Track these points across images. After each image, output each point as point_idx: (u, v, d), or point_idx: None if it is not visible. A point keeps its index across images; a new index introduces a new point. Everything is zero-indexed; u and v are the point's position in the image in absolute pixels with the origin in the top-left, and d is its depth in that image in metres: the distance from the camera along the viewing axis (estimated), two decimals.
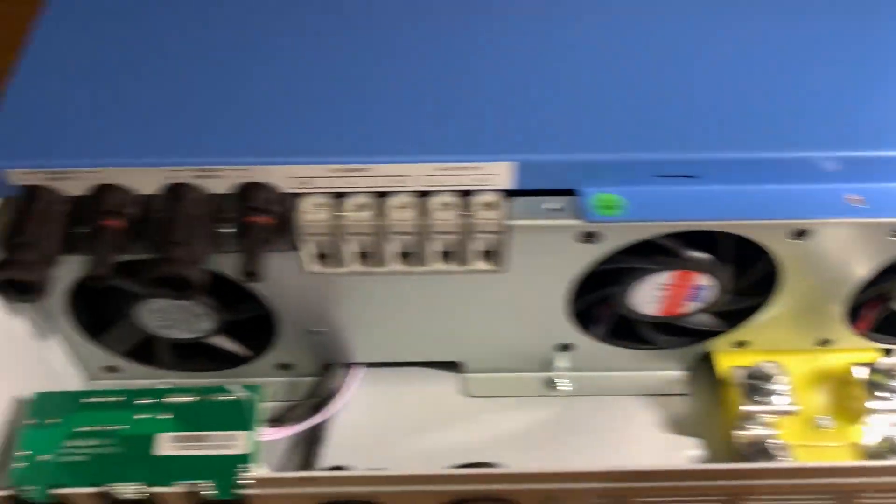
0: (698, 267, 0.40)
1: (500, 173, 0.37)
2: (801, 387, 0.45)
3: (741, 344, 0.46)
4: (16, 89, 0.39)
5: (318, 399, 0.46)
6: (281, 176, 0.37)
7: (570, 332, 0.45)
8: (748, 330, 0.45)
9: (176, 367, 0.47)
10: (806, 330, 0.45)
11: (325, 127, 0.38)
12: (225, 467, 0.37)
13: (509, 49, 0.42)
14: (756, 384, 0.43)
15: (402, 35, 0.43)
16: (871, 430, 0.44)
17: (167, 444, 0.37)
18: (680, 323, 0.45)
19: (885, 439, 0.43)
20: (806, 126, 0.38)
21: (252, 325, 0.44)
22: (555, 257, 0.39)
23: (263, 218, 0.37)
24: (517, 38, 0.43)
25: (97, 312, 0.44)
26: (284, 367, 0.47)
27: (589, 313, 0.44)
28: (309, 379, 0.48)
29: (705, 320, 0.45)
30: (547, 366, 0.48)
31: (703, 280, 0.41)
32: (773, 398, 0.43)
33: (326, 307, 0.43)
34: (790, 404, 0.43)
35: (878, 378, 0.44)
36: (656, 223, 0.38)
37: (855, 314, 0.45)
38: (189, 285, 0.35)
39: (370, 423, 0.47)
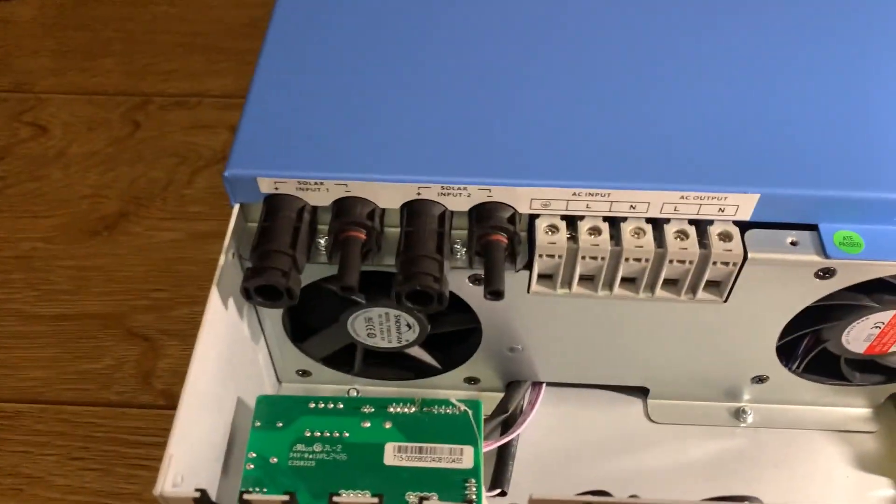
0: None
1: (743, 204, 0.37)
2: None
3: None
4: (258, 97, 0.40)
5: (507, 415, 0.46)
6: (522, 197, 0.37)
7: (772, 365, 0.44)
8: None
9: (366, 375, 0.47)
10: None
11: (568, 150, 0.38)
12: (453, 481, 0.37)
13: (749, 75, 0.42)
14: None
15: (651, 62, 0.42)
16: None
17: (392, 454, 0.38)
18: (882, 362, 0.44)
19: None
20: None
21: (454, 337, 0.44)
22: (785, 291, 0.39)
23: (503, 237, 0.37)
24: (754, 63, 0.42)
25: (303, 317, 0.44)
26: (472, 381, 0.48)
27: (794, 346, 0.44)
28: (490, 393, 0.48)
29: None
30: (734, 396, 0.47)
31: None
32: None
33: (530, 326, 0.43)
34: None
35: None
36: (893, 263, 0.37)
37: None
38: (434, 300, 0.35)
39: (552, 444, 0.47)
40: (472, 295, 0.40)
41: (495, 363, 0.46)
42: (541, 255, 0.38)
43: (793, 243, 0.37)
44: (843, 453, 0.47)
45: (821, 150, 0.38)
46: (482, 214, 0.37)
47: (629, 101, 0.40)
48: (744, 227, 0.38)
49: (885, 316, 0.41)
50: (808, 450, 0.47)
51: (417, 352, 0.46)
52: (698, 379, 0.47)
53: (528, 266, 0.38)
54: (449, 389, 0.48)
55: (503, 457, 0.45)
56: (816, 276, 0.38)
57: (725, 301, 0.40)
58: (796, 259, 0.37)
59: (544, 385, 0.48)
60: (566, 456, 0.47)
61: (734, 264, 0.37)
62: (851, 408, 0.48)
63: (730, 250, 0.37)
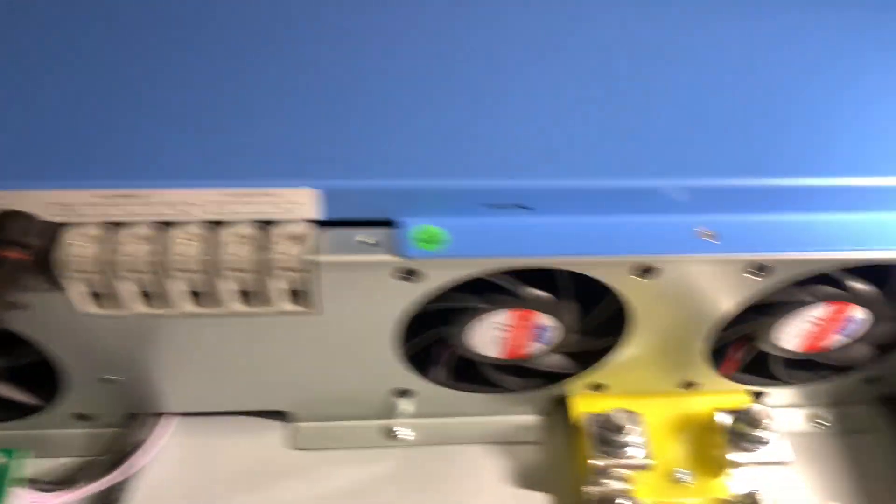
0: (538, 306, 0.36)
1: (304, 202, 0.32)
2: (660, 435, 0.41)
3: (598, 387, 0.42)
4: None
5: (117, 455, 0.40)
6: (39, 203, 0.31)
7: (406, 377, 0.40)
8: (604, 372, 0.41)
9: None
10: (667, 372, 0.41)
11: (95, 146, 0.32)
12: None
13: (317, 62, 0.37)
14: (607, 435, 0.39)
15: (185, 47, 0.37)
16: (734, 484, 0.40)
17: None
18: (528, 365, 0.40)
19: (748, 495, 0.39)
20: (651, 152, 0.34)
21: (38, 372, 0.38)
22: (373, 296, 0.34)
23: (16, 252, 0.31)
24: (324, 48, 0.38)
25: None
26: (82, 418, 0.41)
27: (427, 355, 0.39)
28: (114, 430, 0.42)
29: (556, 361, 0.40)
30: (385, 413, 0.43)
31: (545, 320, 0.37)
32: (627, 450, 0.39)
33: (116, 352, 0.37)
34: (644, 458, 0.39)
35: (741, 427, 0.40)
36: (484, 259, 0.33)
37: (720, 354, 0.41)
38: None
39: (184, 481, 0.41)
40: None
41: (101, 397, 0.40)
42: (77, 271, 0.32)
43: (368, 244, 0.33)
44: (506, 467, 0.43)
45: (393, 138, 0.34)
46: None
47: (168, 89, 0.35)
48: (327, 227, 0.33)
49: (500, 317, 0.36)
50: (469, 466, 0.43)
51: (3, 389, 0.39)
52: (341, 398, 0.42)
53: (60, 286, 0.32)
54: (63, 430, 0.41)
55: (108, 502, 0.39)
56: (400, 277, 0.33)
57: (320, 313, 0.35)
58: (371, 260, 0.32)
59: (171, 416, 0.42)
60: (202, 494, 0.41)
61: (303, 270, 0.32)
62: (519, 416, 0.44)
63: (292, 254, 0.32)
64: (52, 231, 0.32)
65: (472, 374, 0.41)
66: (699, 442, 0.41)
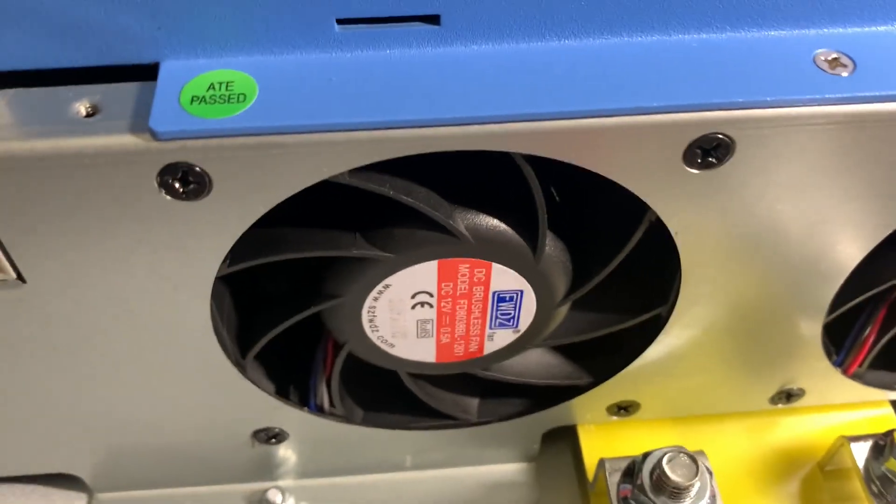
0: (484, 250, 0.17)
1: None
2: (740, 486, 0.24)
3: (624, 408, 0.24)
4: None
5: None
6: None
7: (258, 402, 0.21)
8: (631, 381, 0.23)
9: None
10: (749, 373, 0.24)
11: None
12: None
13: None
14: (646, 498, 0.20)
15: None
16: None
17: None
18: (490, 374, 0.22)
19: None
20: None
21: None
22: (122, 230, 0.16)
23: None
24: None
25: None
26: None
27: (294, 357, 0.21)
28: None
29: (541, 364, 0.22)
30: (253, 472, 0.24)
31: (510, 278, 0.18)
32: None
33: None
34: None
35: (892, 466, 0.22)
36: (352, 135, 0.15)
37: (842, 337, 0.24)
38: None
39: None
40: None
41: None
42: None
43: (86, 117, 0.15)
44: None
45: None
46: None
47: None
48: None
49: (416, 277, 0.18)
50: None
51: None
52: (156, 448, 0.23)
53: None
54: None
55: None
56: (163, 185, 0.15)
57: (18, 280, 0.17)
58: (111, 145, 0.15)
59: None
60: None
61: None
62: (488, 464, 0.26)
63: None
64: None
65: (386, 393, 0.22)
66: (811, 493, 0.23)
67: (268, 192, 0.16)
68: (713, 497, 0.22)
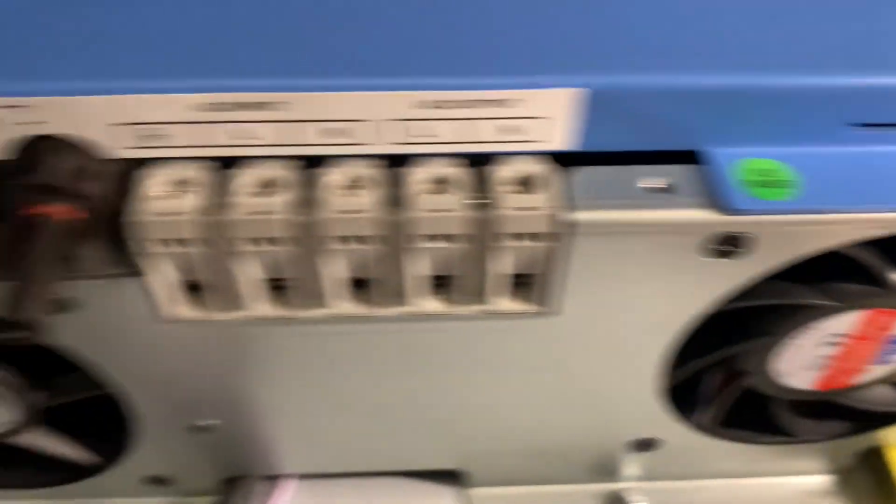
0: None
1: (554, 115, 0.18)
2: None
3: None
4: None
5: None
6: (87, 118, 0.18)
7: (660, 420, 0.25)
8: None
9: None
10: None
11: (195, 28, 0.19)
12: None
13: None
14: None
15: None
16: None
17: None
18: (842, 401, 0.26)
19: None
20: None
21: (93, 412, 0.25)
22: (652, 285, 0.20)
23: (63, 208, 0.17)
24: None
25: None
26: (158, 482, 0.28)
27: (693, 386, 0.25)
28: (204, 500, 0.28)
29: (886, 394, 0.26)
30: (606, 473, 0.28)
31: None
32: None
33: (214, 384, 0.23)
34: None
35: None
36: (862, 216, 0.19)
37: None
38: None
39: None
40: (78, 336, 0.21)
41: (190, 450, 0.26)
42: (166, 242, 0.18)
43: (658, 189, 0.19)
44: None
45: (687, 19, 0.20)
46: (29, 165, 0.18)
47: None
48: (567, 163, 0.19)
49: (844, 322, 0.22)
50: None
51: (40, 439, 0.25)
52: (541, 451, 0.27)
53: (136, 268, 0.19)
54: (131, 498, 0.28)
55: None
56: (714, 249, 0.19)
57: (557, 314, 0.21)
58: (671, 219, 0.18)
59: (290, 479, 0.28)
60: None
61: (551, 237, 0.18)
62: (797, 476, 0.29)
63: (537, 209, 0.18)
64: (120, 173, 0.18)
65: (750, 415, 0.26)
66: None
67: (785, 257, 0.19)
68: None
